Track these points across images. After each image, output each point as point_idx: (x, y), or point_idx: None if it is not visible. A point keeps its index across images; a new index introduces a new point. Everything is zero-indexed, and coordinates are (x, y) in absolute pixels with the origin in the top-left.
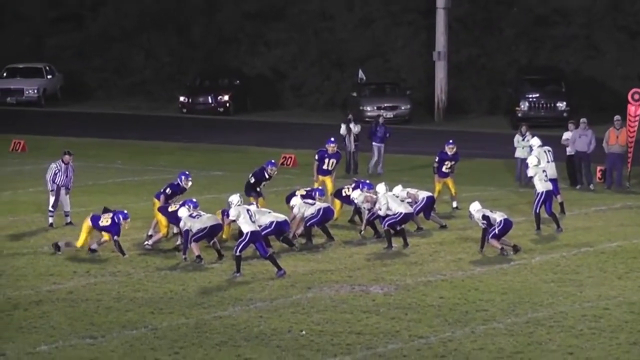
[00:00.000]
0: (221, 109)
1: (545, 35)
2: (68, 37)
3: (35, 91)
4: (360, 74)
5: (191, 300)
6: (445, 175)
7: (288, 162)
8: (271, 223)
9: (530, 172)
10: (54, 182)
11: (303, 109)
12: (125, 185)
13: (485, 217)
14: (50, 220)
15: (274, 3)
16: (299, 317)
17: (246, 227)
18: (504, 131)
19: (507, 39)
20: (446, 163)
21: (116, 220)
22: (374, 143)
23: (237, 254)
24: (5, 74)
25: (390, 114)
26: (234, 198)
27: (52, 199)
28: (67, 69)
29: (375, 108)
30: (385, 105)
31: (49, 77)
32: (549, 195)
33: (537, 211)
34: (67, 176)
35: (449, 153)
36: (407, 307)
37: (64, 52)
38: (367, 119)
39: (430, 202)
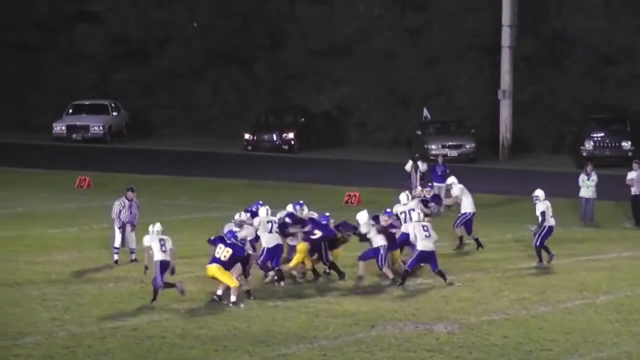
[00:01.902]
0: (286, 147)
1: (610, 74)
2: (134, 73)
3: (101, 128)
4: (425, 112)
5: (255, 337)
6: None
7: (352, 200)
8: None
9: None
10: (119, 218)
11: (367, 147)
12: (190, 222)
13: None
14: (116, 257)
15: (339, 41)
16: (363, 356)
17: (157, 256)
18: (569, 170)
19: (572, 77)
20: None
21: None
22: (434, 182)
23: (160, 284)
24: (71, 111)
25: (454, 153)
26: (153, 227)
27: (118, 236)
28: (132, 106)
29: (439, 146)
30: (450, 143)
31: (114, 113)
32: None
33: (538, 244)
34: (131, 213)
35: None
36: (471, 346)
37: (130, 88)
38: (431, 157)
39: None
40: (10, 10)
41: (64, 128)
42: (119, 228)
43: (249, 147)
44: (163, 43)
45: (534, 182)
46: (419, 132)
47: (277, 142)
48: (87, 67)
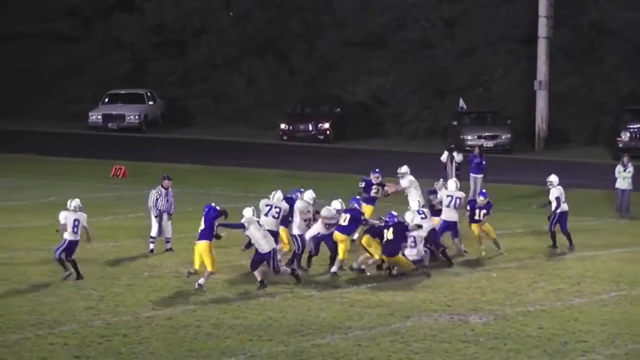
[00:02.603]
0: (321, 137)
1: None
2: (170, 63)
3: (137, 117)
4: (461, 102)
5: (290, 327)
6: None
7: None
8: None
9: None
10: (156, 207)
11: (403, 137)
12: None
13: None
14: (151, 246)
15: (375, 31)
16: (398, 346)
17: (67, 235)
18: (605, 161)
19: (609, 68)
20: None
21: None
22: (470, 173)
23: (57, 256)
24: (107, 100)
25: (490, 143)
26: (71, 202)
27: (155, 226)
28: (168, 95)
29: (475, 137)
30: (486, 134)
31: (150, 103)
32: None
33: (553, 229)
34: (167, 201)
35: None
36: (506, 337)
37: (166, 78)
38: (467, 148)
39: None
40: (47, 0)
41: (100, 117)
42: (156, 217)
43: (285, 137)
44: (199, 33)
45: (570, 173)
46: (454, 123)
47: (313, 132)
48: (123, 57)
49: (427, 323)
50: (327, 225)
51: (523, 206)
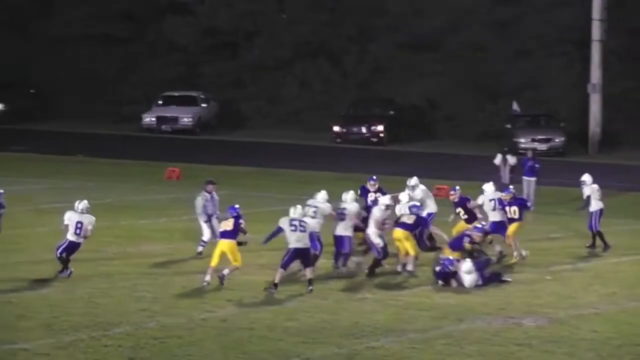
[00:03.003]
0: (375, 139)
1: None
2: (223, 65)
3: (190, 119)
4: (515, 105)
5: (344, 330)
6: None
7: (441, 194)
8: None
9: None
10: (206, 213)
11: (456, 140)
12: (279, 214)
13: None
14: (200, 249)
15: (427, 33)
16: (452, 349)
17: (69, 236)
18: None
19: None
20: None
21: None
22: (523, 176)
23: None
24: (160, 102)
25: (544, 146)
26: (79, 204)
27: (206, 230)
28: (221, 98)
29: (529, 140)
30: (539, 137)
31: (203, 105)
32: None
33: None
34: (214, 205)
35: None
36: (560, 341)
37: (219, 80)
38: (520, 151)
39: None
40: (100, 2)
41: (153, 119)
42: (206, 222)
43: (338, 140)
44: (252, 35)
45: (623, 177)
46: (508, 126)
47: (366, 135)
48: (176, 59)
49: (481, 326)
50: (382, 225)
51: (576, 209)
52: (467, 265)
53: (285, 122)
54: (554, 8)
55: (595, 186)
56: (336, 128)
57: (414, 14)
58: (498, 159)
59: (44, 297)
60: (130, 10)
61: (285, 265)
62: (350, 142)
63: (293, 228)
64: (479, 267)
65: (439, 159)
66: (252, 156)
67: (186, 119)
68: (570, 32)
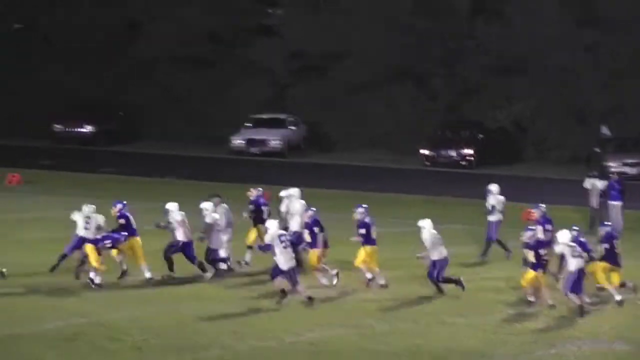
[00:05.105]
0: (464, 162)
1: None
2: (310, 88)
3: (279, 142)
4: (605, 129)
5: (434, 354)
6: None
7: (531, 217)
8: None
9: None
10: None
11: (545, 163)
12: None
13: None
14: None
15: (516, 56)
16: None
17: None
18: None
19: None
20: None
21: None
22: (609, 200)
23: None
24: (249, 124)
25: (634, 170)
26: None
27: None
28: (309, 120)
29: (619, 164)
30: (630, 161)
31: (292, 127)
32: None
33: None
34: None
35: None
36: None
37: (307, 103)
38: (610, 175)
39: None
40: (189, 25)
41: (243, 141)
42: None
43: (427, 163)
44: (340, 58)
45: None
46: (597, 149)
47: (456, 158)
48: (264, 81)
49: (571, 350)
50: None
51: None
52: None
53: (372, 145)
54: None
55: None
56: (425, 151)
57: (502, 37)
58: (587, 183)
59: (134, 318)
60: (218, 32)
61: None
62: (439, 165)
63: None
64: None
65: (527, 183)
66: (339, 178)
67: (275, 141)
68: None
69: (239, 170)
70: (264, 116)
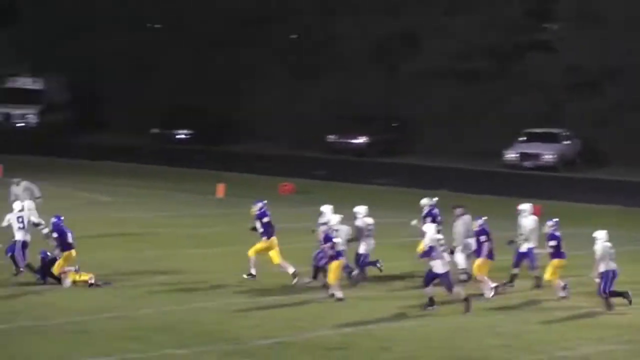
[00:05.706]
0: None
1: None
2: (586, 103)
3: (553, 156)
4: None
5: None
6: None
7: None
8: None
9: None
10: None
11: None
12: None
13: None
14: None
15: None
16: None
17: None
18: None
19: None
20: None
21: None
22: None
23: None
24: (523, 139)
25: None
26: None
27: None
28: (584, 135)
29: None
30: None
31: (566, 142)
32: None
33: None
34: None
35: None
36: None
37: (582, 118)
38: None
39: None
40: (466, 39)
41: (516, 155)
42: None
43: None
44: (616, 74)
45: None
46: None
47: None
48: (539, 96)
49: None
50: None
51: None
52: None
53: None
54: None
55: None
56: None
57: None
58: None
59: (406, 329)
60: (494, 46)
61: None
62: None
63: None
64: None
65: None
66: (613, 195)
67: (548, 156)
68: None
69: (510, 184)
70: (538, 130)
